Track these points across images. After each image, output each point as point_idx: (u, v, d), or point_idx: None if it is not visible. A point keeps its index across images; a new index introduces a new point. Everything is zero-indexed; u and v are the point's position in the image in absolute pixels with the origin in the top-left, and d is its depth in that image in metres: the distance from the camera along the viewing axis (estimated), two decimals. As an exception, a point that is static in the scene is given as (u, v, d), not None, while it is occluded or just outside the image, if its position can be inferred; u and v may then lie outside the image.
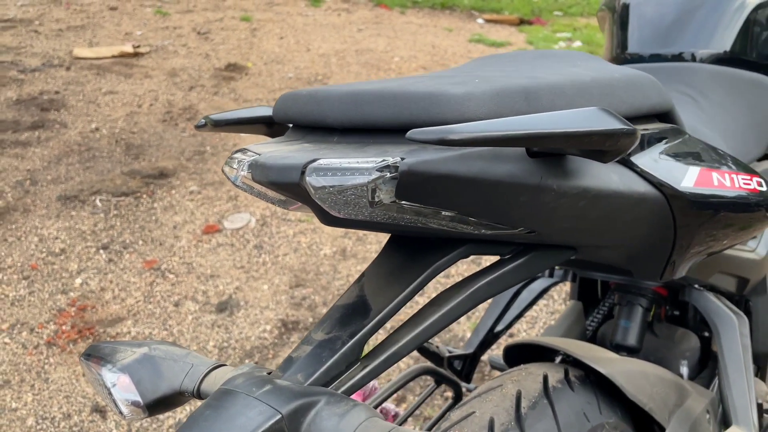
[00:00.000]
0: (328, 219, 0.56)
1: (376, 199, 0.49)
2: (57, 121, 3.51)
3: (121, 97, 3.86)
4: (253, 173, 0.52)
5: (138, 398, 0.59)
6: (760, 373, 1.22)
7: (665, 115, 0.71)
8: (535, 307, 2.00)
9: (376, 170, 0.47)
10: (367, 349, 0.58)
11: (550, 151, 0.53)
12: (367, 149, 0.51)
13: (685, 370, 1.18)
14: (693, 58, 1.14)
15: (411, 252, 0.63)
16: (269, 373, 0.55)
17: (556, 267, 1.21)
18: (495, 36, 5.44)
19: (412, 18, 5.96)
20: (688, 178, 0.65)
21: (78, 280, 2.25)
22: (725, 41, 1.13)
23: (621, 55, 1.22)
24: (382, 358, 0.57)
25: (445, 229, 0.57)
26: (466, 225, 0.56)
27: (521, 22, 6.01)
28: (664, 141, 0.66)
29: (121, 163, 3.07)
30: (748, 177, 0.71)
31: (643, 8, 1.22)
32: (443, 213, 0.54)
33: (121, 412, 0.60)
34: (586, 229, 0.62)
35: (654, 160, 0.63)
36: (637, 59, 1.19)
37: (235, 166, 0.54)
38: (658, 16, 1.20)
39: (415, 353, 1.14)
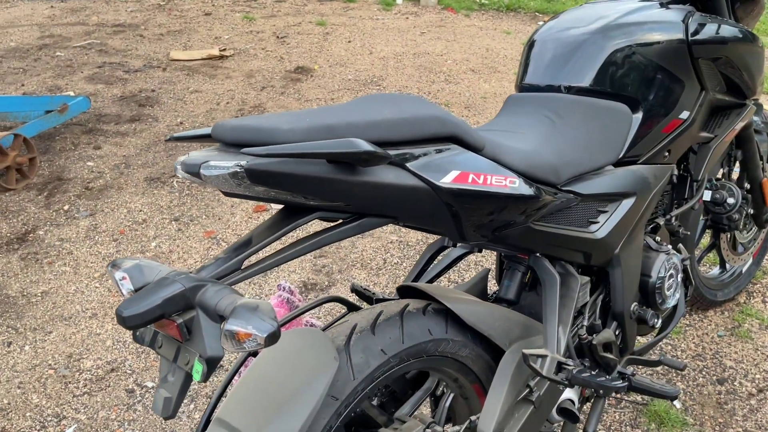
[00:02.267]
0: (224, 193, 1.03)
1: (239, 183, 0.96)
2: (150, 115, 4.21)
3: (204, 96, 4.51)
4: (181, 167, 1.01)
5: (131, 287, 1.09)
6: (620, 327, 1.59)
7: (453, 138, 1.13)
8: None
9: (234, 167, 0.95)
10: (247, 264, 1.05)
11: (337, 160, 0.98)
12: (237, 157, 0.99)
13: None
14: (564, 89, 1.53)
15: (286, 214, 1.10)
16: (189, 272, 1.03)
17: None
18: (551, 39, 5.71)
19: (475, 21, 6.31)
20: (448, 177, 1.07)
21: (153, 244, 2.86)
22: (588, 77, 1.51)
23: (520, 84, 1.63)
24: (254, 269, 1.04)
25: (298, 201, 1.03)
26: (303, 199, 1.02)
27: (582, 25, 6.20)
28: (439, 154, 1.09)
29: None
30: (502, 177, 1.13)
31: (539, 47, 1.62)
32: (284, 192, 1.00)
33: (122, 293, 1.10)
34: (383, 206, 1.06)
35: (424, 165, 1.06)
36: (527, 88, 1.59)
37: (177, 162, 1.03)
38: (548, 54, 1.59)
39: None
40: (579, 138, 1.44)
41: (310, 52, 5.33)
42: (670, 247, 1.68)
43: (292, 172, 0.96)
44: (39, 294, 2.55)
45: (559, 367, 1.30)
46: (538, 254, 1.41)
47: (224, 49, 5.39)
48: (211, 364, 0.94)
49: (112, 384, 2.10)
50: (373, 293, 1.58)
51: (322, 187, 0.99)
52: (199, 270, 1.03)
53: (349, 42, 5.60)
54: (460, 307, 1.31)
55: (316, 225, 1.21)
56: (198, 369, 0.94)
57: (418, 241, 2.87)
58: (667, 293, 1.66)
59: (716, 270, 2.47)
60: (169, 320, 0.96)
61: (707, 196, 2.03)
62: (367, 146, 0.93)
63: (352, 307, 1.46)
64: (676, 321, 1.76)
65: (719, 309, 2.41)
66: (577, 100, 1.49)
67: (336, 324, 1.26)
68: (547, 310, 1.36)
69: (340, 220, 1.12)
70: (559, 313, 1.35)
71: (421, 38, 5.70)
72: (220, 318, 0.96)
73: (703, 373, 2.12)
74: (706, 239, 2.41)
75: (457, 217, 1.13)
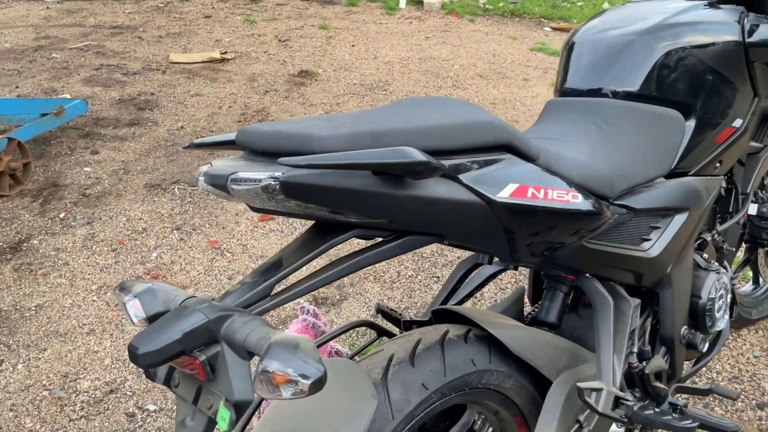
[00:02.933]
0: (253, 208, 0.90)
1: (272, 197, 0.83)
2: (150, 119, 4.07)
3: (205, 99, 4.38)
4: (204, 179, 0.87)
5: (143, 314, 0.95)
6: (670, 353, 1.47)
7: (507, 147, 1.00)
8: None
9: (267, 179, 0.82)
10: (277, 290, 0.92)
11: (384, 171, 0.85)
12: (269, 167, 0.86)
13: None
14: (612, 94, 1.41)
15: (319, 232, 0.97)
16: (213, 299, 0.90)
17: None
18: (557, 45, 5.61)
19: (480, 26, 6.21)
20: (506, 191, 0.95)
21: (154, 254, 2.72)
22: (638, 81, 1.39)
23: (561, 89, 1.50)
24: (285, 295, 0.91)
25: (334, 218, 0.90)
26: (342, 216, 0.89)
27: (589, 31, 6.11)
28: (492, 165, 0.96)
29: (199, 158, 3.56)
30: (564, 192, 1.00)
31: (581, 49, 1.50)
32: (319, 207, 0.87)
33: (132, 322, 0.97)
34: (431, 222, 0.94)
35: (479, 177, 0.94)
36: (569, 93, 1.47)
37: (198, 174, 0.90)
38: (591, 57, 1.47)
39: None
40: (630, 147, 1.32)
41: (314, 56, 5.21)
42: (718, 265, 1.56)
43: (332, 186, 0.84)
44: (33, 308, 2.40)
45: (616, 401, 1.17)
46: (587, 275, 1.29)
47: (225, 52, 5.26)
48: (240, 410, 0.81)
49: (111, 407, 1.96)
50: (400, 314, 1.45)
51: (366, 203, 0.86)
52: (223, 297, 0.90)
53: (353, 46, 5.48)
54: (505, 334, 1.18)
55: (348, 244, 1.08)
56: (224, 415, 0.80)
57: (433, 252, 2.74)
58: (717, 315, 1.53)
59: (748, 286, 2.35)
60: (190, 356, 0.83)
61: (753, 210, 1.91)
62: (420, 156, 0.81)
63: (381, 332, 1.32)
64: (721, 345, 1.64)
65: (753, 327, 2.29)
66: (626, 106, 1.37)
67: (370, 354, 1.12)
68: (600, 337, 1.23)
69: (379, 239, 0.99)
70: (614, 341, 1.23)
71: (426, 43, 5.59)
72: (248, 354, 0.83)
73: (742, 396, 1.99)
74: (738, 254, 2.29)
75: (511, 235, 1.01)
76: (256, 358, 0.79)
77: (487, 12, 6.72)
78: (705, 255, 1.59)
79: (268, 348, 0.75)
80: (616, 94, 1.41)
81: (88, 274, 2.59)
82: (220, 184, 0.84)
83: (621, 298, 1.29)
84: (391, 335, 1.34)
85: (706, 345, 1.53)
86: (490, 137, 0.97)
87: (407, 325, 1.45)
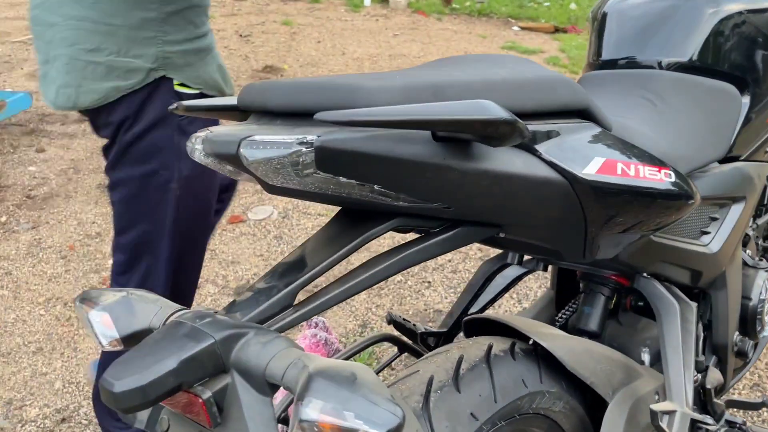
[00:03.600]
0: (268, 187, 0.67)
1: (300, 170, 0.60)
2: (102, 115, 3.74)
3: (162, 95, 4.07)
4: (203, 147, 0.64)
5: (115, 333, 0.71)
6: (720, 363, 1.29)
7: (583, 113, 0.80)
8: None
9: (296, 144, 0.59)
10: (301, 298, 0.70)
11: (449, 136, 0.64)
12: (296, 129, 0.63)
13: (646, 357, 1.25)
14: (659, 65, 1.22)
15: (350, 222, 0.75)
16: (215, 313, 0.67)
17: (524, 256, 1.30)
18: (528, 44, 5.50)
19: (448, 25, 6.06)
20: (592, 166, 0.74)
21: (110, 262, 2.42)
22: (690, 50, 1.21)
23: (596, 62, 1.31)
24: (312, 306, 0.68)
25: (372, 201, 0.68)
26: (386, 198, 0.67)
27: (556, 30, 6.05)
28: (572, 133, 0.76)
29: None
30: (656, 169, 0.80)
31: (618, 18, 1.31)
32: (361, 185, 0.65)
33: (101, 344, 0.72)
34: (497, 207, 0.73)
35: (559, 149, 0.73)
36: (608, 65, 1.28)
37: (192, 142, 0.67)
38: (630, 26, 1.28)
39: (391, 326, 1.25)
40: (688, 126, 1.14)
41: (278, 51, 4.96)
42: (767, 262, 1.40)
43: (384, 154, 0.62)
44: (-31, 324, 2.09)
45: (693, 425, 0.98)
46: (645, 275, 1.10)
47: (182, 47, 4.95)
48: None
49: (64, 439, 1.67)
50: (414, 324, 1.24)
51: (423, 179, 0.65)
52: (229, 308, 0.67)
53: (319, 42, 5.25)
54: (558, 347, 0.98)
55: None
56: None
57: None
58: (766, 319, 1.37)
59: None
60: (190, 393, 0.60)
61: None
62: (505, 113, 0.59)
63: (403, 348, 1.10)
64: (760, 352, 1.48)
65: (766, 330, 2.15)
66: (680, 79, 1.18)
67: (403, 377, 0.90)
68: (668, 349, 1.04)
69: (414, 232, 0.78)
70: (683, 353, 1.04)
71: (395, 40, 5.40)
72: (270, 388, 0.60)
73: None
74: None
75: (590, 224, 0.80)
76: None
77: (454, 11, 6.58)
78: (749, 251, 1.42)
79: (308, 381, 0.52)
80: (663, 65, 1.22)
81: (34, 285, 2.29)
82: (229, 152, 0.61)
83: (683, 302, 1.10)
84: (414, 351, 1.12)
85: (754, 353, 1.37)
86: (566, 98, 0.77)
87: (424, 338, 1.24)
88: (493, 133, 0.60)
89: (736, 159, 1.26)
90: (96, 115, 1.22)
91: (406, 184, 0.65)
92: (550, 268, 1.38)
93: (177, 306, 0.72)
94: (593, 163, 0.74)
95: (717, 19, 1.22)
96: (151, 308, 0.72)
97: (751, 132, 1.26)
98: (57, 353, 1.97)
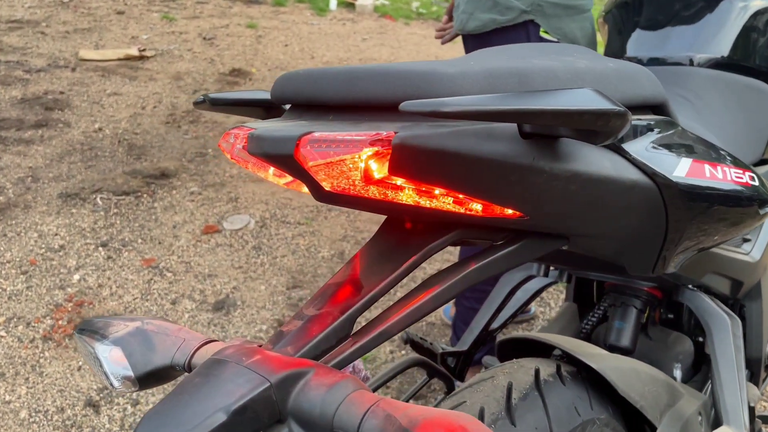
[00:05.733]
0: (321, 194, 0.56)
1: (370, 173, 0.50)
2: (61, 120, 3.53)
3: (125, 99, 3.88)
4: (249, 145, 0.53)
5: (129, 372, 0.59)
6: (753, 378, 1.22)
7: (659, 108, 0.71)
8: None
9: (370, 142, 0.48)
10: (357, 326, 0.59)
11: (542, 132, 0.54)
12: (360, 125, 0.52)
13: (678, 373, 1.18)
14: (690, 62, 1.15)
15: (404, 234, 0.64)
16: (260, 346, 0.55)
17: (551, 267, 1.21)
18: (498, 48, 5.48)
19: (416, 29, 6.00)
20: (681, 169, 0.65)
21: (76, 276, 2.25)
22: (723, 46, 1.15)
23: (621, 57, 1.24)
24: (373, 335, 0.57)
25: (438, 211, 0.57)
26: (458, 206, 0.57)
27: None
28: (657, 131, 0.67)
29: (123, 163, 3.09)
30: (741, 171, 0.72)
31: (641, 13, 1.24)
32: (435, 192, 0.54)
33: (112, 385, 0.60)
34: (576, 215, 0.63)
35: (647, 149, 0.64)
36: (634, 62, 1.20)
37: (231, 140, 0.55)
38: (656, 21, 1.21)
39: (408, 347, 1.14)
40: (727, 126, 1.07)
41: (244, 55, 4.80)
42: None
43: (469, 153, 0.52)
44: None
45: None
46: (690, 287, 1.02)
47: (144, 50, 4.75)
48: None
49: (32, 476, 1.51)
50: (431, 343, 1.14)
51: (505, 182, 0.55)
52: (277, 340, 0.56)
53: (287, 46, 5.11)
54: (607, 369, 0.89)
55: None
56: None
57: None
58: (795, 329, 1.31)
59: None
60: None
61: None
62: (616, 104, 0.50)
63: (433, 373, 1.00)
64: None
65: None
66: (715, 77, 1.12)
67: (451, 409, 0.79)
68: (721, 368, 0.96)
69: (474, 245, 0.68)
70: (738, 371, 0.96)
71: (364, 44, 5.30)
72: None
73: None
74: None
75: (670, 233, 0.71)
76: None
77: (421, 16, 6.53)
78: None
79: None
80: (694, 62, 1.16)
81: (-8, 303, 2.10)
82: (283, 152, 0.50)
83: (732, 316, 1.03)
84: (443, 375, 1.02)
85: None
86: (649, 91, 0.68)
87: (444, 358, 1.14)
88: (602, 127, 0.51)
89: (765, 162, 1.20)
90: (475, 45, 1.50)
91: (487, 188, 0.55)
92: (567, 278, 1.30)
93: (203, 336, 0.60)
94: (681, 164, 0.66)
95: (748, 13, 1.16)
96: (172, 341, 0.60)
97: (782, 134, 1.20)
98: (21, 378, 1.80)
